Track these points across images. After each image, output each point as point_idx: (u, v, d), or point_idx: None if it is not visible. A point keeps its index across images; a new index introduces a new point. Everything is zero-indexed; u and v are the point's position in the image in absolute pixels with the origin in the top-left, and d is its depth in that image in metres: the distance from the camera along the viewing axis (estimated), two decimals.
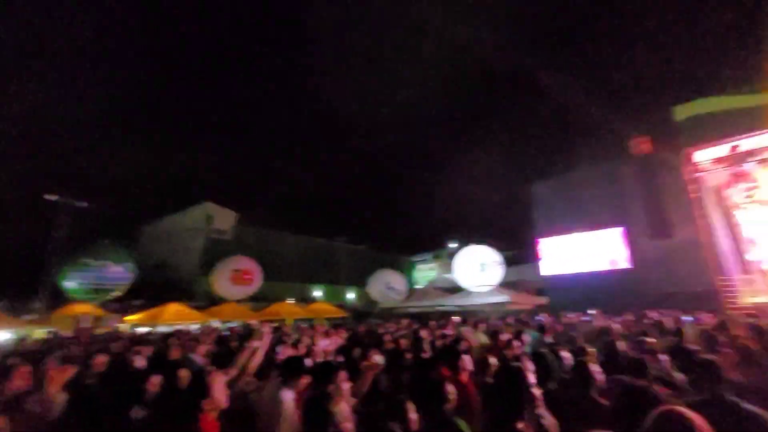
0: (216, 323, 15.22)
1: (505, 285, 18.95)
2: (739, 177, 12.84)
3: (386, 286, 18.68)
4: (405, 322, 10.19)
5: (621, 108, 21.14)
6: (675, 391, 2.65)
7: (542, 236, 15.07)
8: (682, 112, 12.13)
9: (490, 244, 15.19)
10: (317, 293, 30.41)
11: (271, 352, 4.17)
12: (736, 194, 13.89)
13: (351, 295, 32.40)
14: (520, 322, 7.40)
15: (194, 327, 13.72)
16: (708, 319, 6.99)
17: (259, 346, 3.25)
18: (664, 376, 3.23)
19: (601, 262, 13.79)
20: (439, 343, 5.29)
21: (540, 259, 15.04)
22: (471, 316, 12.33)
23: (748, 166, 11.89)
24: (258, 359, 3.23)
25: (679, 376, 2.95)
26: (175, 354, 5.18)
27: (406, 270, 32.21)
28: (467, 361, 3.16)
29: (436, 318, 13.16)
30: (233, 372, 3.12)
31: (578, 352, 3.79)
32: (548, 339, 5.46)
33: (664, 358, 3.38)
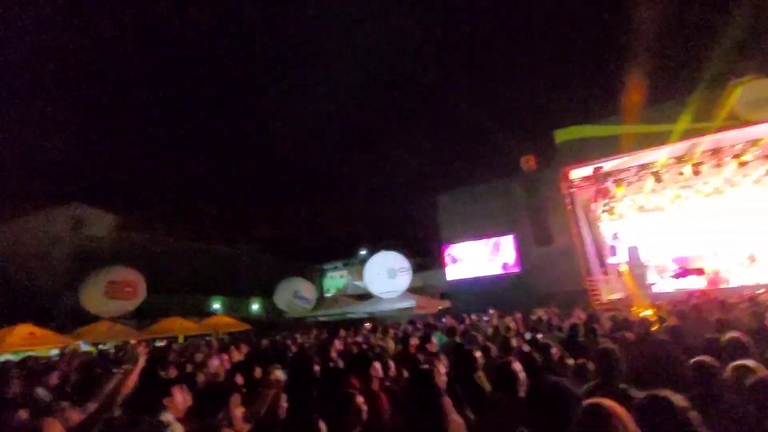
0: (85, 346, 12.83)
1: (412, 290, 19.65)
2: (600, 193, 15.33)
3: (294, 294, 17.89)
4: (314, 332, 9.76)
5: (514, 129, 23.87)
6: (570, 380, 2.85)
7: (447, 243, 15.98)
8: (561, 135, 14.04)
9: (398, 251, 15.63)
10: (216, 306, 27.81)
11: (151, 377, 3.50)
12: (598, 208, 16.55)
13: (256, 306, 30.37)
14: (429, 326, 7.59)
15: (54, 352, 11.42)
16: (580, 314, 8.02)
17: (132, 370, 2.65)
18: (555, 367, 3.51)
19: (495, 266, 15.11)
20: (351, 349, 5.09)
21: (446, 265, 15.91)
22: (381, 322, 12.42)
23: (607, 185, 14.23)
24: (130, 386, 2.63)
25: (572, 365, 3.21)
26: (13, 389, 4.08)
27: (316, 278, 31.39)
28: (377, 368, 3.00)
29: (347, 326, 12.91)
30: (92, 406, 2.49)
31: (487, 350, 3.94)
32: (458, 339, 5.64)
33: (555, 351, 3.69)
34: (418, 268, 19.90)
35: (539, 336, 5.13)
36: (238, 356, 5.50)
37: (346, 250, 31.64)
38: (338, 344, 5.59)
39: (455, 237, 15.87)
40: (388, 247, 16.74)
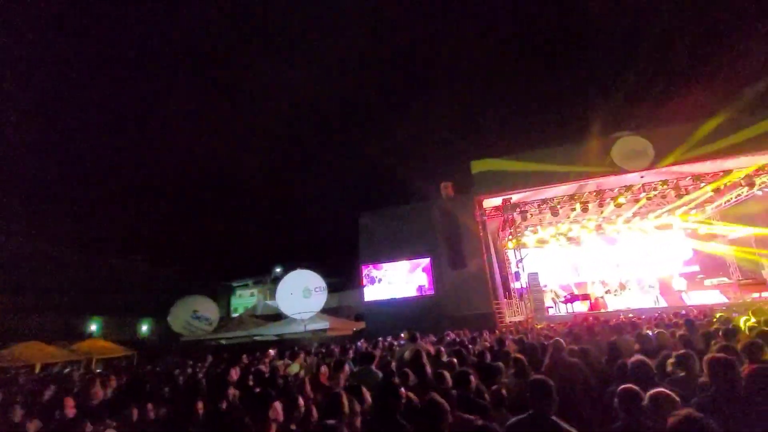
0: None
1: (327, 311, 18.88)
2: (508, 223, 16.60)
3: (193, 314, 15.89)
4: (210, 358, 8.55)
5: (437, 157, 25.11)
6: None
7: (365, 263, 15.74)
8: (476, 166, 14.99)
9: (315, 270, 14.92)
10: (93, 327, 23.59)
11: None
12: (505, 236, 17.91)
13: (145, 328, 26.48)
14: (343, 351, 7.11)
15: None
16: (488, 338, 8.27)
17: None
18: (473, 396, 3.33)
19: (411, 288, 15.24)
20: (248, 381, 4.38)
21: (363, 285, 15.59)
22: (290, 345, 11.50)
23: (514, 215, 15.45)
24: None
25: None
26: None
27: (221, 296, 28.64)
28: (278, 410, 2.48)
29: (253, 350, 11.73)
30: None
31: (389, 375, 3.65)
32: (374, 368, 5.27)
33: (473, 379, 3.54)
34: (334, 288, 19.28)
35: (454, 360, 5.00)
36: (100, 393, 4.40)
37: (259, 267, 29.58)
38: (235, 374, 4.80)
39: (374, 257, 15.71)
40: (303, 265, 15.93)
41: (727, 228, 16.78)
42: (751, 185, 13.63)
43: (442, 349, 5.26)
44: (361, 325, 16.55)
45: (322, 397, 3.61)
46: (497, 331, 10.44)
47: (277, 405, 2.50)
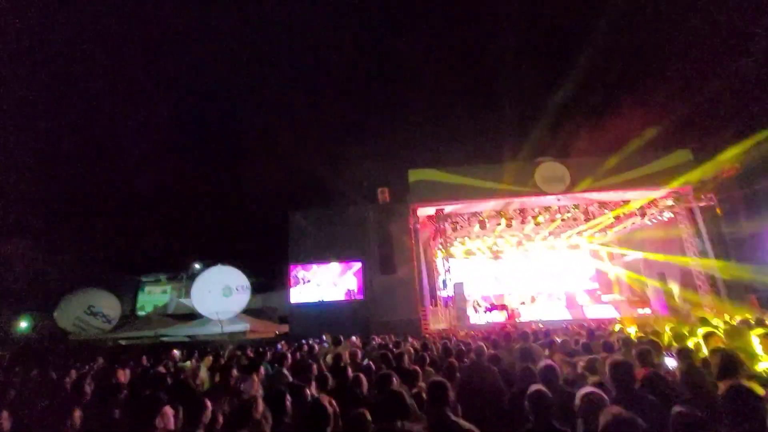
0: None
1: (249, 312, 17.79)
2: (439, 233, 17.16)
3: (87, 310, 13.94)
4: (100, 360, 7.45)
5: (376, 162, 25.18)
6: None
7: (294, 264, 15.13)
8: (413, 175, 15.33)
9: (238, 268, 13.98)
10: None
11: None
12: (436, 246, 18.48)
13: (24, 325, 22.63)
14: (259, 354, 6.64)
15: None
16: (414, 342, 8.34)
17: None
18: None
19: (339, 292, 14.98)
20: (141, 384, 3.80)
21: (291, 286, 14.94)
22: (202, 348, 10.51)
23: (445, 225, 16.01)
24: None
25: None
26: None
27: (126, 291, 25.60)
28: (168, 416, 2.12)
29: (156, 352, 10.52)
30: None
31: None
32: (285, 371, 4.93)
33: (395, 381, 3.44)
34: (257, 288, 18.23)
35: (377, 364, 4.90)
36: None
37: (174, 262, 26.98)
38: (123, 376, 4.15)
39: (303, 258, 15.16)
40: (226, 262, 14.85)
41: (622, 251, 19.15)
42: (643, 215, 15.72)
43: (359, 352, 5.11)
44: (285, 328, 15.85)
45: (230, 402, 3.25)
46: (424, 337, 10.62)
47: (168, 411, 2.13)
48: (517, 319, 15.62)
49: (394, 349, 7.01)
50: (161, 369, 4.63)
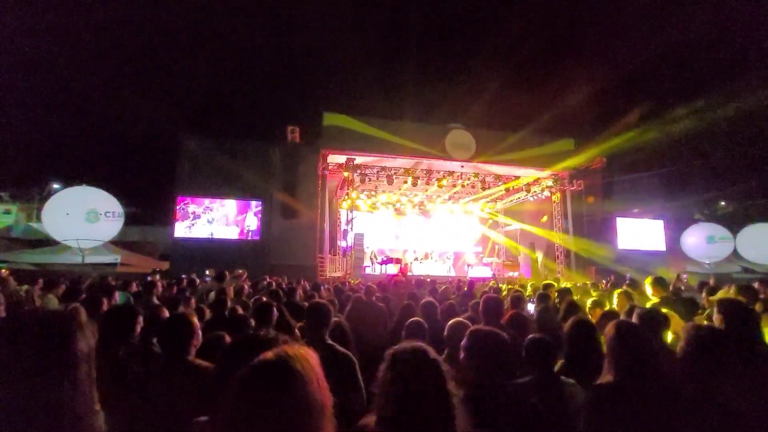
0: None
1: (124, 245, 15.73)
2: (347, 182, 17.00)
3: None
4: None
5: (287, 98, 23.29)
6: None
7: (183, 196, 13.55)
8: (328, 119, 14.63)
9: (108, 191, 11.97)
10: None
11: None
12: (342, 196, 18.36)
13: None
14: (106, 284, 5.88)
15: None
16: (305, 283, 8.27)
17: None
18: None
19: (234, 231, 14.05)
20: None
21: (177, 219, 13.43)
22: (55, 278, 8.90)
23: (354, 176, 15.88)
24: None
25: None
26: None
27: None
28: None
29: None
30: None
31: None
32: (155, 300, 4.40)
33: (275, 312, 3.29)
34: (136, 219, 16.03)
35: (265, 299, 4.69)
36: None
37: (24, 177, 22.03)
38: None
39: (195, 190, 13.62)
40: (94, 184, 12.57)
41: (506, 220, 21.60)
42: (528, 191, 17.74)
43: (245, 288, 4.85)
44: (166, 265, 14.40)
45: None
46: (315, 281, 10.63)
47: None
48: (408, 273, 16.72)
49: (286, 288, 6.84)
50: None
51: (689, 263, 18.78)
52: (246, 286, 5.53)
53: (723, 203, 20.48)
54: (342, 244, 17.93)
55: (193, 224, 13.52)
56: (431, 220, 21.79)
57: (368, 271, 16.74)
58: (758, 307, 3.61)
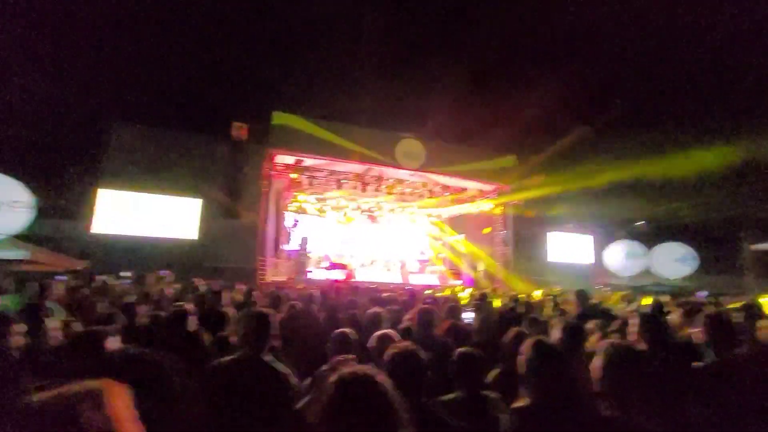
0: None
1: (32, 240, 13.87)
2: (294, 184, 16.53)
3: None
4: None
5: (234, 92, 22.16)
6: None
7: (107, 188, 12.30)
8: (277, 118, 14.11)
9: (16, 179, 10.47)
10: None
11: None
12: (288, 197, 17.80)
13: None
14: (22, 283, 5.11)
15: None
16: (241, 288, 7.79)
17: None
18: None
19: (167, 229, 13.00)
20: None
21: (98, 212, 12.14)
22: None
23: (302, 178, 15.47)
24: None
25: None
26: None
27: None
28: None
29: None
30: None
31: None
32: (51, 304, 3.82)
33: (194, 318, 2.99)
34: (48, 212, 14.17)
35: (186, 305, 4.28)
36: None
37: None
38: None
39: (122, 182, 12.42)
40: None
41: (451, 231, 22.25)
42: (473, 203, 18.43)
43: (167, 291, 4.42)
44: (81, 263, 12.89)
45: None
46: (258, 285, 10.12)
47: None
48: (353, 279, 16.52)
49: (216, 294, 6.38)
50: None
51: (611, 277, 20.60)
52: (169, 290, 5.04)
53: (641, 222, 22.78)
54: (286, 247, 17.32)
55: (119, 218, 12.28)
56: (379, 227, 21.83)
57: (312, 275, 16.31)
58: (677, 317, 3.98)
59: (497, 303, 5.53)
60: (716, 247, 22.11)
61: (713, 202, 20.69)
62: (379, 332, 2.26)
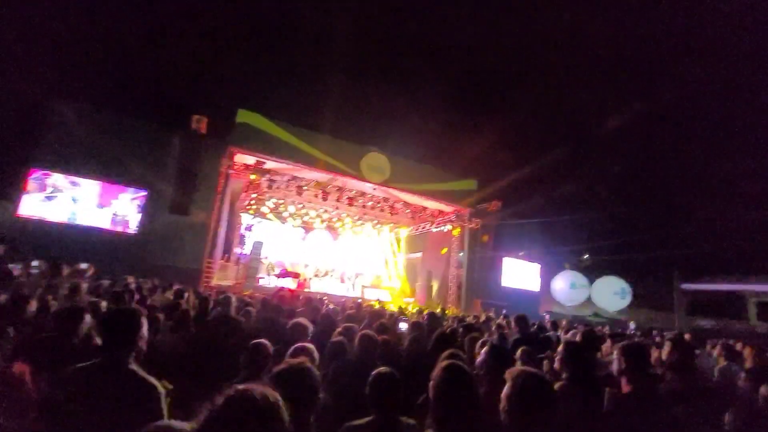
0: None
1: None
2: (253, 186, 15.96)
3: None
4: None
5: (198, 82, 21.22)
6: None
7: (39, 168, 11.24)
8: (242, 116, 13.64)
9: None
10: None
11: None
12: (246, 199, 17.15)
13: None
14: None
15: None
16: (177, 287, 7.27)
17: None
18: None
19: (104, 219, 12.03)
20: None
21: (25, 192, 11.04)
22: None
23: (262, 181, 14.98)
24: None
25: None
26: None
27: None
28: None
29: None
30: None
31: None
32: None
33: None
34: None
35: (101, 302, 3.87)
36: None
37: None
38: None
39: (58, 163, 11.38)
40: None
41: (408, 248, 22.35)
42: (432, 223, 18.67)
43: (83, 285, 4.00)
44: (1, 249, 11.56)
45: None
46: (196, 289, 9.48)
47: None
48: (306, 289, 16.05)
49: (146, 295, 5.91)
50: None
51: (555, 305, 21.48)
52: (85, 285, 4.55)
53: (586, 256, 24.06)
54: (238, 250, 16.60)
55: (50, 198, 11.18)
56: (337, 239, 21.53)
57: (262, 282, 15.68)
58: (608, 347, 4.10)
59: (442, 323, 5.49)
60: (651, 284, 23.79)
61: (651, 242, 22.38)
62: (294, 320, 2.11)
